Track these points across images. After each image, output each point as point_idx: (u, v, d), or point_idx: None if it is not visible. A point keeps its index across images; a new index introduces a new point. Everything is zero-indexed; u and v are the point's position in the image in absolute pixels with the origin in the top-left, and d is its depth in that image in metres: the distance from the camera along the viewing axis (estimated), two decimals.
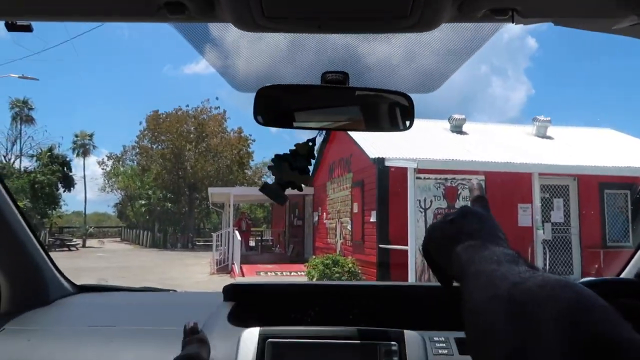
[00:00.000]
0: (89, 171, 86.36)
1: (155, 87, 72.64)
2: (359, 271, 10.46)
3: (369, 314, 1.14)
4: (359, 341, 0.93)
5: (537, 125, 12.68)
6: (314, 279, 10.01)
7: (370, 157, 9.98)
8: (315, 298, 1.20)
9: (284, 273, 12.99)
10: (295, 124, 0.95)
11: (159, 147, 31.87)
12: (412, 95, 0.92)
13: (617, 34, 0.79)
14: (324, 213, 14.26)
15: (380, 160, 9.71)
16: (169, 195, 32.11)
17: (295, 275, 12.20)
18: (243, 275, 12.70)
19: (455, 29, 0.79)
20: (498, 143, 11.48)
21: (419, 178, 9.21)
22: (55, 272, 1.35)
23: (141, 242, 31.92)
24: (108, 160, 37.15)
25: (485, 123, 13.66)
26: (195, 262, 16.80)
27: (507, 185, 9.72)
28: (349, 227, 11.94)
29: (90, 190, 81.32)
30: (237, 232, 14.30)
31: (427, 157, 9.26)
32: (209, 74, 65.02)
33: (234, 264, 13.77)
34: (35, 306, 1.23)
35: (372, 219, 10.25)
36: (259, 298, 1.21)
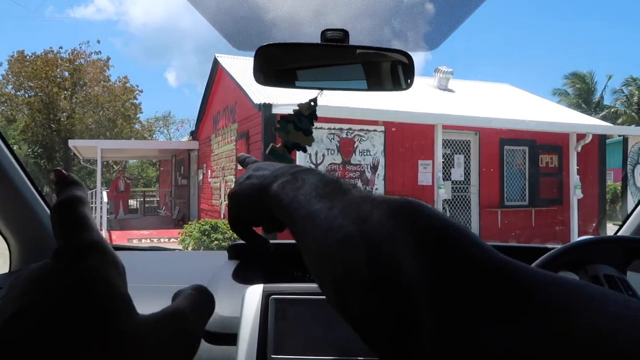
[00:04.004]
0: None
1: (37, 30, 62.60)
2: None
3: None
4: None
5: (439, 77, 11.90)
6: (190, 248, 8.50)
7: (255, 102, 8.40)
8: None
9: (161, 240, 11.46)
10: (297, 84, 0.91)
11: (26, 94, 27.72)
12: (412, 54, 0.87)
13: None
14: (209, 170, 12.51)
15: (267, 107, 8.16)
16: (40, 151, 28.31)
17: (175, 242, 10.69)
18: (111, 242, 10.92)
19: None
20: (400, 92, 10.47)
21: None
22: None
23: None
24: None
25: None
26: None
27: (407, 139, 8.78)
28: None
29: None
30: (104, 193, 12.21)
31: (320, 104, 7.86)
32: (101, 20, 57.11)
33: (101, 229, 11.83)
34: None
35: None
36: (262, 257, 1.24)
